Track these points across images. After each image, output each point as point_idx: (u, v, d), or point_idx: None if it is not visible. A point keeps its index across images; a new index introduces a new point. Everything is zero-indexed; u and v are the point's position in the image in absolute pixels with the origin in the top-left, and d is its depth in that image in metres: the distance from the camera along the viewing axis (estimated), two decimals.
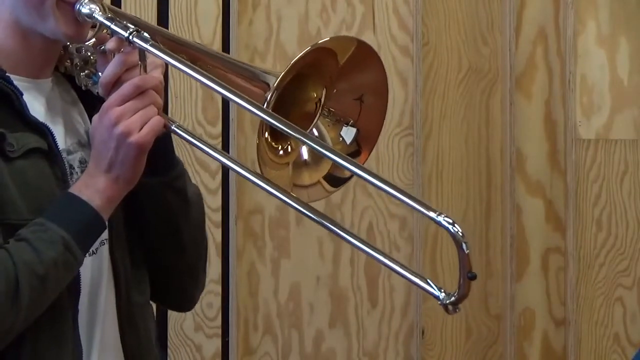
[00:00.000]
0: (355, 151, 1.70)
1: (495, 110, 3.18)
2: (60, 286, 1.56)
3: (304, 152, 1.68)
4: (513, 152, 3.17)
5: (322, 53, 1.65)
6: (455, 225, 1.42)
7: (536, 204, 3.21)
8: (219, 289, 2.89)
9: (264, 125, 1.59)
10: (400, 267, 1.50)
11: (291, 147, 1.67)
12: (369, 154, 1.71)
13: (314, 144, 1.55)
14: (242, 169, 1.59)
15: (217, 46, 2.89)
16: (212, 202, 2.86)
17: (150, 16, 2.82)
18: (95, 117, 1.61)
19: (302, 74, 1.63)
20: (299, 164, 1.67)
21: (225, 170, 2.87)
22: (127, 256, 1.70)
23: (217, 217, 2.88)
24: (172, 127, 1.63)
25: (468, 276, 1.42)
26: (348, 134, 1.70)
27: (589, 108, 3.23)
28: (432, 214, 1.44)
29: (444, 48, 3.13)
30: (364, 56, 1.67)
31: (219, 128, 2.88)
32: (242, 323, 2.95)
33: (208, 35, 2.89)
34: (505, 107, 3.17)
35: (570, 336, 3.20)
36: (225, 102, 2.88)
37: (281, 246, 2.98)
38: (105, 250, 1.67)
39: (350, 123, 1.70)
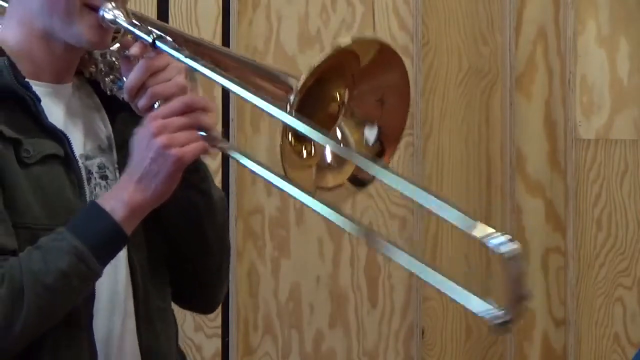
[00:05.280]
0: (379, 151, 1.69)
1: (495, 110, 3.18)
2: (75, 296, 1.55)
3: (328, 155, 1.66)
4: (513, 152, 3.17)
5: (344, 54, 1.63)
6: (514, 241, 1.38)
7: (536, 204, 3.21)
8: None
9: (287, 128, 1.58)
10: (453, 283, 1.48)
11: (315, 149, 1.65)
12: (393, 153, 1.70)
13: (338, 149, 1.55)
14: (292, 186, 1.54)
15: None
16: None
17: (150, 16, 2.82)
18: (138, 128, 1.59)
19: (324, 76, 1.62)
20: (323, 167, 1.66)
21: (225, 170, 2.88)
22: (145, 259, 1.69)
23: None
24: (224, 148, 1.60)
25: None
26: (371, 134, 1.70)
27: (589, 108, 3.23)
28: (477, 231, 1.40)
29: (444, 48, 3.13)
30: (386, 57, 1.66)
31: (219, 128, 2.88)
32: (242, 323, 2.95)
33: (208, 36, 2.89)
34: (505, 107, 3.17)
35: (570, 336, 3.20)
36: (226, 101, 2.88)
37: (281, 246, 2.98)
38: (122, 253, 1.65)
39: (372, 123, 1.69)
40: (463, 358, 3.15)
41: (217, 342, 2.91)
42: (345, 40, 1.63)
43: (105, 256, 1.56)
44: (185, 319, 2.84)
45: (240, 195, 2.91)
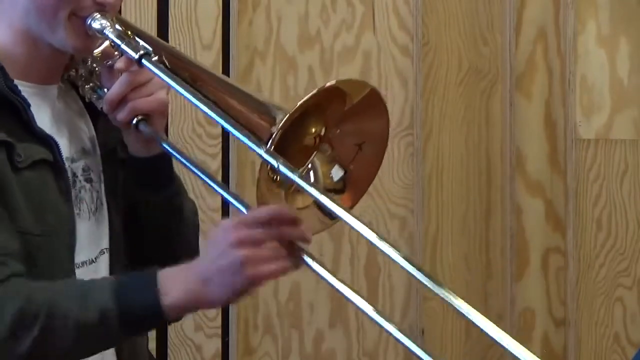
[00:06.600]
0: (339, 190, 1.70)
1: (495, 110, 3.18)
2: (85, 351, 1.52)
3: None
4: (513, 152, 3.17)
5: (332, 92, 1.64)
6: None
7: (536, 204, 3.21)
8: None
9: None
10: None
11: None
12: (356, 202, 1.70)
13: (306, 190, 1.55)
14: None
15: (217, 46, 2.89)
16: (212, 202, 2.86)
17: (150, 16, 2.82)
18: (223, 222, 1.53)
19: (308, 110, 1.63)
20: (295, 190, 1.66)
21: (225, 170, 2.88)
22: (124, 268, 1.69)
23: (217, 217, 2.88)
24: (308, 262, 1.52)
25: None
26: (337, 173, 1.70)
27: (589, 108, 3.23)
28: None
29: (444, 48, 3.13)
30: (373, 103, 1.66)
31: (219, 128, 2.88)
32: (242, 323, 2.95)
33: (208, 35, 2.89)
34: (505, 107, 3.17)
35: (570, 336, 3.19)
36: None
37: None
38: (105, 260, 1.67)
39: (343, 166, 1.70)
40: (463, 358, 3.15)
41: (217, 342, 2.91)
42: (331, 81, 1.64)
43: (133, 329, 1.51)
44: (185, 319, 2.84)
45: (240, 196, 2.89)
